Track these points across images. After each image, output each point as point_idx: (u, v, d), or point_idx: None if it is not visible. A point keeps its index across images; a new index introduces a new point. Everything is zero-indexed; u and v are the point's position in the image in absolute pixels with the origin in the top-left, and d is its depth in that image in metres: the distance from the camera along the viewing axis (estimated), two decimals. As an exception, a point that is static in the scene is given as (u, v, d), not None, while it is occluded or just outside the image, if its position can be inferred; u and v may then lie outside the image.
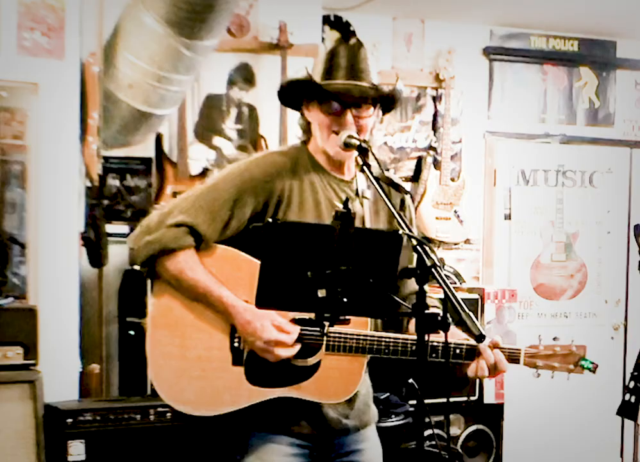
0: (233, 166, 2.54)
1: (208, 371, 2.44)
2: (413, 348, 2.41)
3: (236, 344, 2.43)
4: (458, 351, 2.42)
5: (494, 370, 2.45)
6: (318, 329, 2.40)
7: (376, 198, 2.53)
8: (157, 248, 2.44)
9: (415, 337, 2.32)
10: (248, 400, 2.43)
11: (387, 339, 2.41)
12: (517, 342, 2.60)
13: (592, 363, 2.59)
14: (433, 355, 2.39)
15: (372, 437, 2.66)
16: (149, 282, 2.52)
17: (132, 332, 2.40)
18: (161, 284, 2.47)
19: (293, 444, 2.49)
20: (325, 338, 2.40)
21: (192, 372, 2.44)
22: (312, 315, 2.15)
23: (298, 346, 2.39)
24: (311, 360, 2.42)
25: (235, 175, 2.49)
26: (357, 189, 2.53)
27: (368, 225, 2.52)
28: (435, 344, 2.39)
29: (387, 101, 2.56)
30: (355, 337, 2.40)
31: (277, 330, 2.37)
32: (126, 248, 3.35)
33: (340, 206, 2.44)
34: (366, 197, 2.54)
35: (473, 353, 2.43)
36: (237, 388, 2.43)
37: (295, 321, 2.40)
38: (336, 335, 2.40)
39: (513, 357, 2.51)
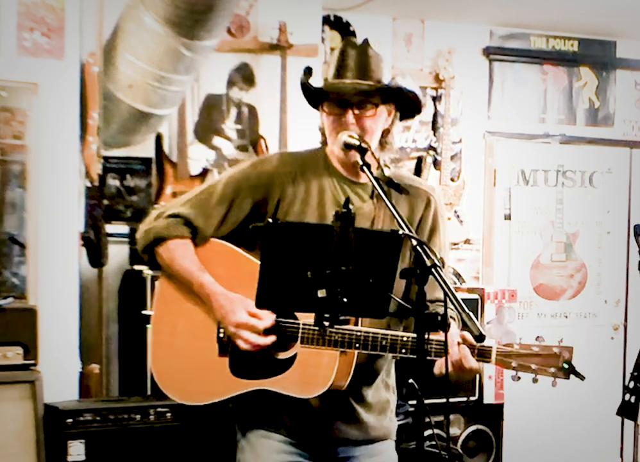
0: (235, 167, 2.60)
1: (196, 360, 2.49)
2: (384, 342, 2.34)
3: (221, 335, 2.46)
4: (427, 347, 2.27)
5: (459, 367, 2.26)
6: (295, 321, 2.40)
7: (397, 205, 2.40)
8: (151, 236, 2.51)
9: (387, 332, 2.35)
10: (229, 391, 2.45)
11: (358, 333, 2.36)
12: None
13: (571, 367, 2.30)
14: (403, 350, 2.32)
15: (386, 452, 2.60)
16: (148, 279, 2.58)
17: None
18: (162, 275, 2.57)
19: (289, 442, 2.49)
20: (300, 331, 2.39)
21: (183, 363, 2.50)
22: (312, 315, 2.15)
23: (272, 338, 2.39)
24: (287, 353, 2.42)
25: (235, 173, 2.55)
26: (373, 191, 2.49)
27: (380, 226, 2.48)
28: (404, 339, 2.32)
29: (406, 104, 2.51)
30: (327, 330, 2.36)
31: (250, 315, 2.39)
32: (126, 247, 3.31)
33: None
34: (383, 199, 2.45)
35: (442, 349, 2.28)
36: (221, 379, 2.45)
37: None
38: (310, 328, 2.37)
39: (483, 355, 2.30)
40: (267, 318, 2.39)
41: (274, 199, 2.49)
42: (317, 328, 2.25)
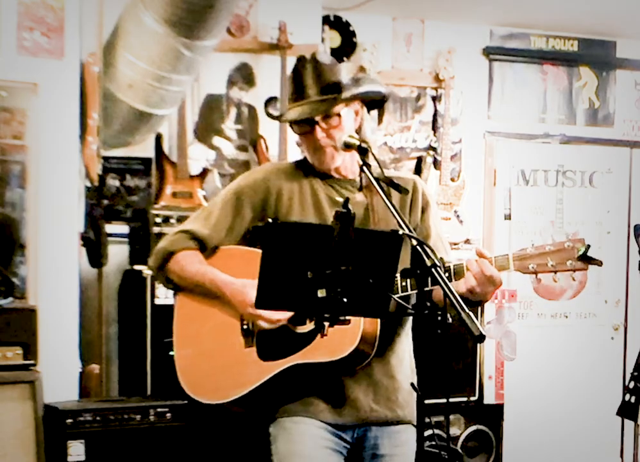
0: (233, 182, 2.71)
1: (224, 361, 2.54)
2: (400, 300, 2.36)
3: (245, 327, 2.53)
4: (446, 274, 2.34)
5: (481, 278, 2.31)
6: None
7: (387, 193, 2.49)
8: (160, 255, 2.61)
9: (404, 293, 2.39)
10: (261, 377, 2.49)
11: None
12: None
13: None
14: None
15: (409, 442, 2.64)
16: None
17: (172, 353, 2.55)
18: (180, 295, 2.64)
19: (324, 428, 2.53)
20: None
21: (211, 366, 2.56)
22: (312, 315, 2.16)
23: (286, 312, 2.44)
24: (310, 325, 2.46)
25: (232, 186, 2.66)
26: (361, 185, 2.60)
27: (374, 217, 2.55)
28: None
29: (371, 101, 2.62)
30: None
31: None
32: (126, 247, 3.26)
33: (339, 199, 2.50)
34: (371, 191, 2.56)
35: (461, 271, 2.37)
36: (251, 368, 2.51)
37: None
38: None
39: (501, 265, 2.36)
40: None
41: (271, 204, 2.58)
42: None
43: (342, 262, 2.06)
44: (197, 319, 2.59)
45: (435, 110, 5.72)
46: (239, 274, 2.52)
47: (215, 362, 2.56)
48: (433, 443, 4.36)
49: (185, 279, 2.58)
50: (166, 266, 2.59)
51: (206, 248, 2.59)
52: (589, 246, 2.31)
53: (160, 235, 4.18)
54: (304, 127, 2.54)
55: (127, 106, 4.40)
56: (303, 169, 2.64)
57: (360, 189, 2.59)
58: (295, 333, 2.47)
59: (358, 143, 2.41)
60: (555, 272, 2.33)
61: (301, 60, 2.57)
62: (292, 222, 2.44)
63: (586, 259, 2.30)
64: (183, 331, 2.63)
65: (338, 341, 2.44)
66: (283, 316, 2.44)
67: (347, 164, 2.60)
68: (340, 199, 2.52)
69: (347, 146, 2.44)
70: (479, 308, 5.16)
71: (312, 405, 2.54)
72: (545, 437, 5.86)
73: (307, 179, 2.61)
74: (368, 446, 2.59)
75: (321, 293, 2.07)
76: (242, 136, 5.12)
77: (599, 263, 2.31)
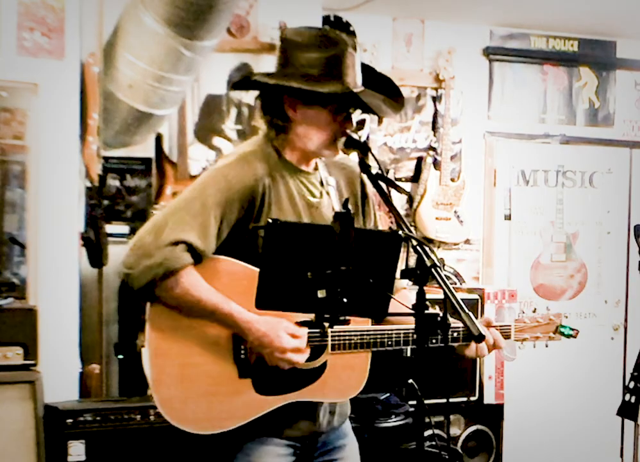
0: (211, 172, 2.42)
1: (214, 387, 2.35)
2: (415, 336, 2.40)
3: (242, 356, 2.35)
4: (456, 334, 2.45)
5: (492, 348, 2.53)
6: (320, 330, 2.37)
7: (340, 185, 2.55)
8: (160, 271, 2.26)
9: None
10: (259, 411, 2.37)
11: (389, 331, 2.40)
12: (518, 344, 2.67)
13: (573, 329, 2.75)
14: (433, 340, 2.37)
15: (350, 432, 2.66)
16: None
17: (121, 356, 2.31)
18: (156, 306, 2.34)
19: (283, 445, 2.48)
20: (330, 338, 2.37)
21: (198, 391, 2.35)
22: (312, 316, 2.15)
23: (309, 350, 2.34)
24: (318, 362, 2.39)
25: (217, 181, 2.37)
26: (321, 179, 2.52)
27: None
28: None
29: None
30: (359, 333, 2.39)
31: (291, 336, 2.31)
32: (126, 248, 3.27)
33: (312, 199, 2.46)
34: (330, 185, 2.53)
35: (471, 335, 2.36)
36: (245, 401, 2.36)
37: (299, 323, 2.33)
38: (340, 333, 2.37)
39: (505, 333, 2.59)
40: (304, 335, 2.33)
41: (257, 203, 2.38)
42: (345, 333, 2.34)
43: (342, 262, 2.06)
44: (177, 342, 2.33)
45: (435, 110, 5.72)
46: (228, 291, 2.33)
47: (203, 392, 2.34)
48: (433, 443, 4.36)
49: (185, 303, 2.30)
50: (158, 283, 2.27)
51: (200, 261, 2.32)
52: (574, 331, 2.78)
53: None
54: (343, 114, 2.41)
55: (127, 106, 4.40)
56: (273, 157, 2.45)
57: (321, 184, 2.50)
58: (297, 369, 2.35)
59: (360, 143, 2.39)
60: (538, 340, 2.70)
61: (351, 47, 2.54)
62: (293, 222, 2.39)
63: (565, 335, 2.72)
64: (159, 349, 2.33)
65: (346, 380, 2.42)
66: (305, 357, 2.32)
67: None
68: (313, 200, 2.47)
69: (348, 147, 2.39)
70: (479, 309, 5.16)
71: (278, 426, 2.45)
72: (545, 437, 5.86)
73: (279, 174, 2.43)
74: (315, 445, 2.55)
75: (321, 293, 2.07)
76: (242, 136, 5.11)
77: (575, 337, 2.79)
